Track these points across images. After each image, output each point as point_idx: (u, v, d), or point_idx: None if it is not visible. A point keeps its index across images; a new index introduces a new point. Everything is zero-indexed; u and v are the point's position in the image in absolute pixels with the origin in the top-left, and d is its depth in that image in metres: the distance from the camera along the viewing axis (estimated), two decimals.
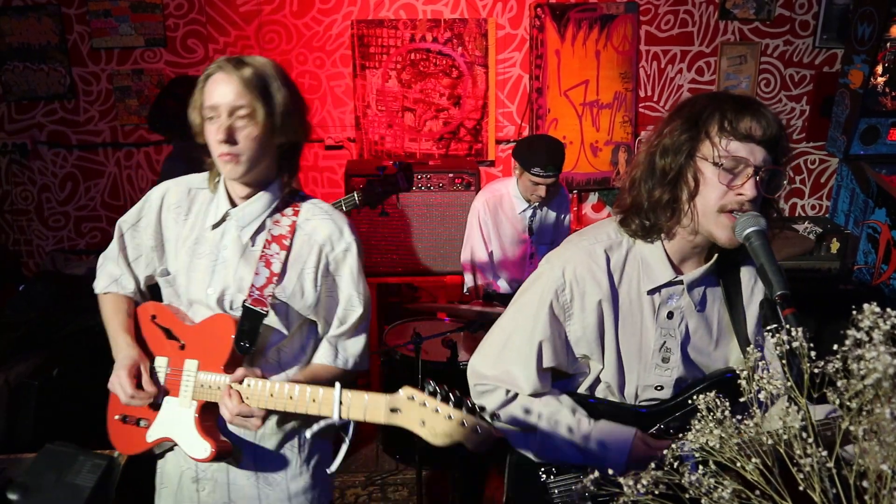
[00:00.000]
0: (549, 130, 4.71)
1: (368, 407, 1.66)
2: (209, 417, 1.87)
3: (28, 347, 3.24)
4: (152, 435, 1.91)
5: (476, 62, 4.68)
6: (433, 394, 1.57)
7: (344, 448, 1.76)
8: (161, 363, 1.92)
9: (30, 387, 3.09)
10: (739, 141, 1.54)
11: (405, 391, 1.61)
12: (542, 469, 1.85)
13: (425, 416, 1.57)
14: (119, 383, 1.86)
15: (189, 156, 3.05)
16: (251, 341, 1.83)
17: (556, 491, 1.83)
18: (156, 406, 1.92)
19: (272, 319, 1.87)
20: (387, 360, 3.72)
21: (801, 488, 1.04)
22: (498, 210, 3.85)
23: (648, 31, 4.77)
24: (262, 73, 1.73)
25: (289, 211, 1.88)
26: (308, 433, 2.01)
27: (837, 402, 1.02)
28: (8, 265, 4.76)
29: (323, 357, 1.98)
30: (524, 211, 3.82)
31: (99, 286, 2.04)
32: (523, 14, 4.67)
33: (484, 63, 4.68)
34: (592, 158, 4.85)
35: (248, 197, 1.86)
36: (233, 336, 1.82)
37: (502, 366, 1.79)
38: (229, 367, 1.82)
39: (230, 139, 1.70)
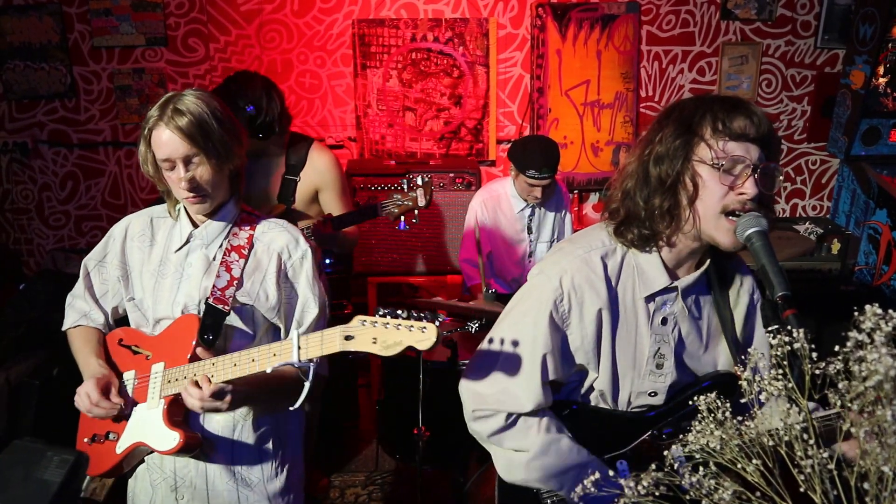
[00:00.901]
0: (550, 130, 4.71)
1: (325, 341, 1.72)
2: (177, 412, 1.93)
3: (28, 346, 3.25)
4: (122, 444, 1.96)
5: (477, 62, 4.68)
6: (383, 315, 1.67)
7: (306, 387, 1.77)
8: (129, 376, 2.00)
9: (30, 386, 3.09)
10: (734, 140, 1.54)
11: (357, 318, 1.71)
12: None
13: (376, 333, 1.66)
14: (85, 391, 1.91)
15: None
16: (214, 335, 1.93)
17: (548, 501, 1.81)
18: (124, 418, 1.98)
19: (236, 320, 1.99)
20: (386, 359, 3.71)
21: (801, 489, 1.04)
22: (496, 210, 3.85)
23: (650, 31, 4.77)
24: (198, 118, 1.84)
25: (245, 227, 2.03)
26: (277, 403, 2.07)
27: (839, 403, 1.01)
28: (8, 264, 4.76)
29: None
30: (522, 210, 3.82)
31: (68, 322, 2.15)
32: (524, 14, 4.66)
33: (485, 63, 4.68)
34: (593, 158, 4.85)
35: (204, 217, 2.00)
36: (196, 328, 1.91)
37: (500, 383, 1.73)
38: (194, 359, 1.90)
39: (194, 188, 1.87)
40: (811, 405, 1.03)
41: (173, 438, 1.86)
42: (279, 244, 2.02)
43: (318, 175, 3.13)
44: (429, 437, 3.25)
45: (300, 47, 4.61)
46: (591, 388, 1.78)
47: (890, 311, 0.99)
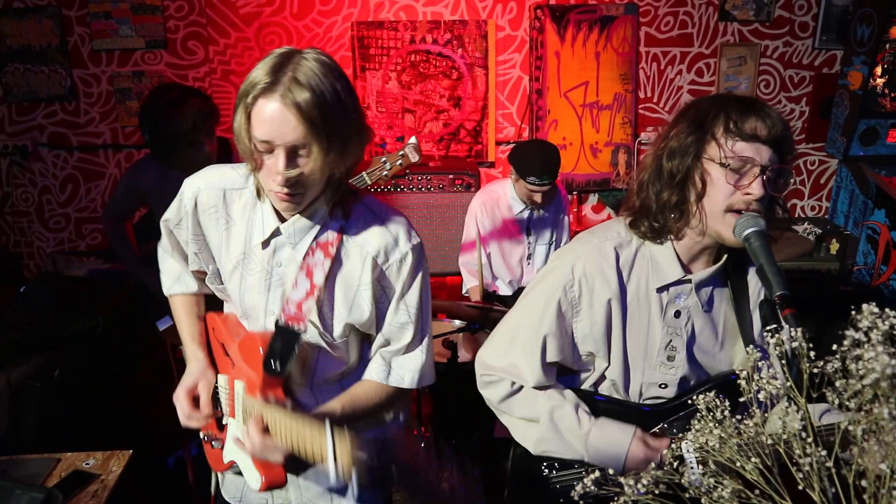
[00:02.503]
0: (549, 132, 4.71)
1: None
2: None
3: (29, 349, 3.25)
4: (226, 457, 1.81)
5: (476, 63, 4.68)
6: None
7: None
8: (222, 382, 1.80)
9: (31, 388, 3.09)
10: (745, 141, 1.56)
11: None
12: (545, 463, 1.86)
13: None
14: (178, 402, 1.74)
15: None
16: (283, 362, 1.61)
17: (557, 486, 1.84)
18: (222, 427, 1.82)
19: (315, 337, 1.67)
20: None
21: (800, 488, 1.05)
22: (495, 211, 3.86)
23: (648, 33, 4.78)
24: (321, 99, 1.42)
25: (338, 213, 1.65)
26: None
27: (837, 402, 1.02)
28: (9, 267, 4.77)
29: (374, 373, 1.76)
30: (521, 212, 3.83)
31: (165, 286, 1.92)
32: (523, 15, 4.67)
33: (484, 64, 4.69)
34: (592, 160, 4.86)
35: (292, 216, 1.64)
36: (261, 357, 1.62)
37: (509, 358, 1.82)
38: (265, 391, 1.62)
39: (292, 185, 1.49)
40: (824, 406, 1.04)
41: (256, 479, 1.66)
42: (374, 245, 1.64)
43: None
44: (429, 437, 3.26)
45: None
46: (604, 378, 1.83)
47: (887, 309, 1.00)
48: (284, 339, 1.61)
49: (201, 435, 1.87)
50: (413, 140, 2.86)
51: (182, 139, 2.83)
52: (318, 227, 1.63)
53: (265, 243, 1.65)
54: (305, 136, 1.43)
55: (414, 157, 2.86)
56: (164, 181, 3.02)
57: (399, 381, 1.74)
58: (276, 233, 1.64)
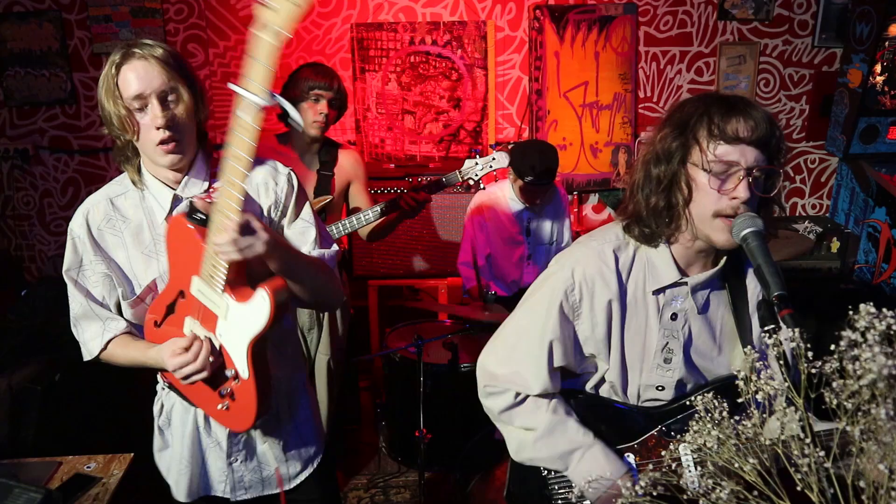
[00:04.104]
0: (549, 132, 4.72)
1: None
2: (242, 283, 1.71)
3: (30, 352, 3.26)
4: (242, 370, 1.75)
5: (475, 64, 4.69)
6: None
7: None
8: (188, 325, 1.79)
9: (32, 391, 3.10)
10: (728, 144, 1.54)
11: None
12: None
13: None
14: (172, 370, 1.73)
15: None
16: (204, 214, 1.65)
17: (555, 486, 1.84)
18: (219, 354, 1.78)
19: None
20: (388, 361, 3.73)
21: (798, 488, 1.05)
22: (495, 212, 3.86)
23: (647, 32, 4.78)
24: (173, 51, 1.71)
25: (217, 166, 1.76)
26: None
27: (835, 402, 1.02)
28: (10, 270, 4.77)
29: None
30: (520, 213, 3.83)
31: (92, 349, 1.91)
32: (522, 16, 4.68)
33: (483, 65, 4.69)
34: (592, 160, 4.86)
35: (179, 182, 1.80)
36: (185, 220, 1.67)
37: (512, 365, 1.80)
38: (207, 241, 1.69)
39: (171, 126, 1.67)
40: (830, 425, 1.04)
41: (262, 298, 1.63)
42: (259, 177, 1.84)
43: (351, 169, 3.39)
44: (430, 439, 3.26)
45: (299, 52, 4.62)
46: (603, 380, 1.83)
47: (884, 309, 1.00)
48: (197, 208, 1.67)
49: (219, 406, 1.82)
50: (508, 147, 3.34)
51: (309, 90, 3.17)
52: (207, 181, 1.82)
53: (169, 214, 1.81)
54: (170, 79, 1.66)
55: (504, 162, 3.25)
56: (283, 153, 3.27)
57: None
58: (177, 200, 1.81)
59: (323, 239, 1.93)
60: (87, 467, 2.24)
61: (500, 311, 3.51)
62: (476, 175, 3.26)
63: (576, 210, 5.04)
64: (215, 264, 1.63)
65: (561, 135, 4.75)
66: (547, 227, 3.92)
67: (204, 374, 1.73)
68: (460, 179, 3.25)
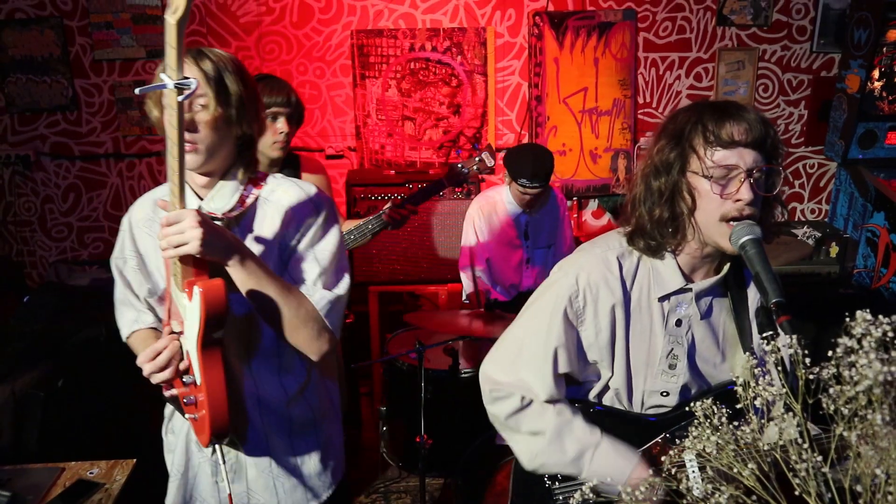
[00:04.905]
0: (549, 138, 4.73)
1: None
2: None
3: (33, 358, 3.26)
4: (195, 367, 1.68)
5: (475, 71, 4.71)
6: None
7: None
8: (174, 325, 1.76)
9: (35, 397, 3.10)
10: (725, 148, 1.56)
11: None
12: (547, 475, 1.86)
13: None
14: (142, 358, 1.69)
15: None
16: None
17: (560, 497, 1.84)
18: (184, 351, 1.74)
19: None
20: (388, 367, 3.74)
21: (797, 493, 1.06)
22: (492, 216, 3.88)
23: (646, 38, 4.80)
24: (219, 66, 1.71)
25: (253, 189, 1.83)
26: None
27: (832, 407, 1.03)
28: (11, 276, 4.78)
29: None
30: (518, 216, 3.84)
31: (123, 333, 1.98)
32: (522, 22, 4.70)
33: (483, 71, 4.71)
34: (592, 165, 4.87)
35: (207, 186, 1.80)
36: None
37: (517, 373, 1.80)
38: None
39: (191, 127, 1.67)
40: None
41: (196, 295, 1.55)
42: (288, 198, 1.82)
43: (321, 185, 3.15)
44: (431, 444, 3.27)
45: (299, 58, 4.64)
46: (607, 388, 1.82)
47: (880, 316, 1.01)
48: None
49: (183, 401, 1.77)
50: (488, 146, 3.25)
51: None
52: (235, 196, 1.79)
53: None
54: (202, 88, 1.65)
55: (490, 162, 3.23)
56: None
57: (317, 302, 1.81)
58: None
59: (329, 284, 1.83)
60: (90, 473, 2.25)
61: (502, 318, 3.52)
62: (462, 179, 3.24)
63: (575, 216, 5.05)
64: (174, 263, 1.64)
65: (560, 140, 4.77)
66: (545, 229, 3.93)
67: (164, 376, 1.69)
68: (446, 186, 3.22)
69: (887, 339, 0.99)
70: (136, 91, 1.53)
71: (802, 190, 5.21)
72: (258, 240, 1.81)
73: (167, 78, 1.43)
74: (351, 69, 4.67)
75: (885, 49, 4.39)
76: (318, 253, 1.83)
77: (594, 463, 1.73)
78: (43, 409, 3.11)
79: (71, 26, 4.54)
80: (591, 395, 1.86)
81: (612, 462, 1.73)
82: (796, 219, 5.21)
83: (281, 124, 2.85)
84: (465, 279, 4.01)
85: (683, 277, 1.72)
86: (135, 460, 2.31)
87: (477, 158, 3.30)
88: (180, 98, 1.45)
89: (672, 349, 1.76)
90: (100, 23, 4.53)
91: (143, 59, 4.61)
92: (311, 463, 1.99)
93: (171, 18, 1.36)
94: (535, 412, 1.79)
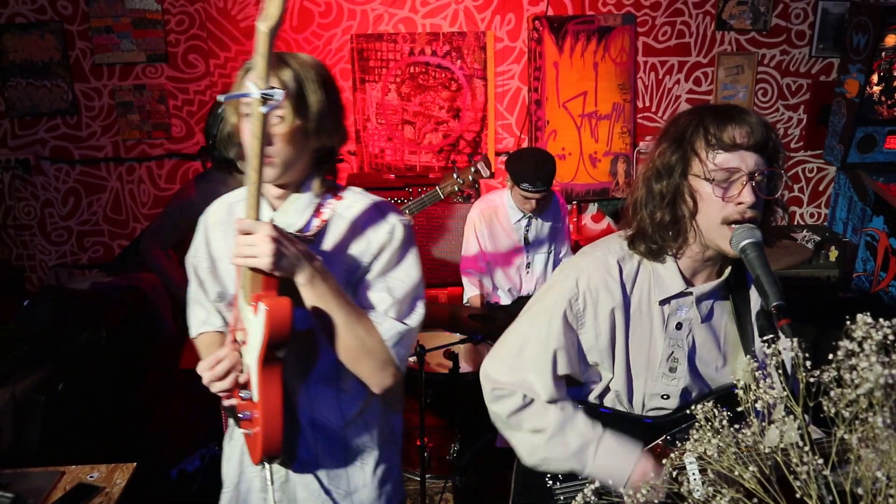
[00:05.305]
0: (548, 142, 4.74)
1: None
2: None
3: (33, 362, 3.26)
4: (254, 384, 1.63)
5: (475, 75, 4.71)
6: None
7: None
8: (239, 335, 1.69)
9: (35, 401, 3.10)
10: (727, 151, 1.56)
11: None
12: (549, 475, 1.86)
13: None
14: (203, 366, 1.64)
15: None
16: None
17: (561, 498, 1.84)
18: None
19: None
20: None
21: (798, 496, 1.06)
22: (493, 220, 3.88)
23: (646, 43, 4.81)
24: (299, 76, 1.61)
25: (330, 201, 1.75)
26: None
27: (833, 410, 1.04)
28: (11, 280, 4.78)
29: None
30: (519, 221, 3.85)
31: (192, 332, 1.93)
32: (521, 27, 4.70)
33: (483, 76, 4.72)
34: (591, 169, 4.88)
35: (281, 198, 1.73)
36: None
37: (518, 373, 1.80)
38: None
39: (266, 140, 1.54)
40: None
41: (261, 312, 1.50)
42: (361, 217, 1.74)
43: None
44: (432, 448, 3.27)
45: None
46: (608, 390, 1.83)
47: (881, 319, 1.01)
48: None
49: (239, 415, 1.71)
50: (484, 157, 3.24)
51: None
52: (310, 210, 1.72)
53: None
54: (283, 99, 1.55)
55: (485, 173, 3.22)
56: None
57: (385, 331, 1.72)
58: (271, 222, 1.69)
59: (401, 314, 1.74)
60: (90, 477, 2.24)
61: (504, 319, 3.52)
62: (456, 187, 3.25)
63: (575, 219, 5.06)
64: (243, 274, 1.58)
65: (560, 144, 4.77)
66: (546, 234, 3.93)
67: (222, 386, 1.64)
68: (441, 196, 3.22)
69: (888, 342, 0.99)
70: (221, 99, 1.50)
71: (802, 194, 5.22)
72: (326, 257, 1.69)
73: (253, 86, 1.37)
74: (351, 73, 4.68)
75: (883, 54, 4.40)
76: (390, 282, 1.74)
77: (597, 457, 1.73)
78: (43, 413, 3.11)
79: (71, 31, 4.55)
80: (593, 397, 1.86)
81: (615, 455, 1.73)
82: (796, 223, 5.22)
83: None
84: (467, 283, 4.01)
85: (684, 281, 1.72)
86: (135, 464, 2.30)
87: (472, 169, 3.31)
88: (263, 109, 1.39)
89: (672, 352, 1.76)
90: (100, 27, 4.54)
91: (143, 63, 4.62)
92: (364, 490, 1.89)
93: (264, 26, 1.33)
94: (537, 410, 1.80)
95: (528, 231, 3.89)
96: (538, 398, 1.79)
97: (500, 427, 1.89)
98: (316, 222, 1.72)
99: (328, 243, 1.72)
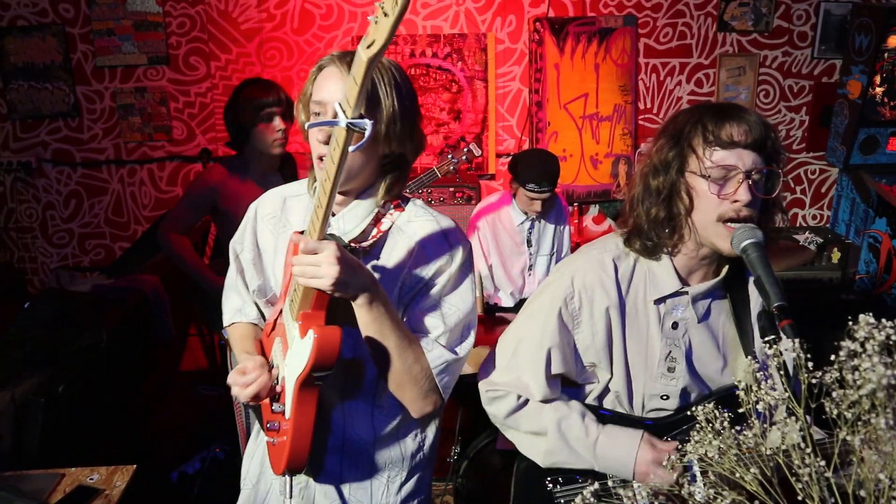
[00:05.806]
0: (549, 143, 4.73)
1: None
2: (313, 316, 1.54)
3: (34, 364, 3.25)
4: (287, 403, 1.60)
5: (476, 76, 4.71)
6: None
7: None
8: (276, 344, 1.69)
9: (36, 403, 3.10)
10: (725, 149, 1.56)
11: None
12: (549, 478, 1.85)
13: None
14: (234, 386, 1.62)
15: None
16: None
17: (561, 501, 1.84)
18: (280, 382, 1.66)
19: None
20: None
21: (800, 498, 1.05)
22: (496, 223, 3.87)
23: (647, 44, 4.81)
24: (373, 78, 1.52)
25: (391, 212, 1.68)
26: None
27: (835, 411, 1.03)
28: (13, 282, 4.78)
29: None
30: (522, 223, 3.84)
31: (226, 319, 1.91)
32: (522, 28, 4.70)
33: (483, 77, 4.72)
34: (593, 171, 4.87)
35: (342, 203, 1.66)
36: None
37: (513, 372, 1.81)
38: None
39: (326, 142, 1.50)
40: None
41: (309, 338, 1.45)
42: (422, 236, 1.66)
43: None
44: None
45: (300, 64, 4.65)
46: (608, 391, 1.83)
47: (883, 320, 1.00)
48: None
49: (266, 425, 1.70)
50: (475, 138, 3.80)
51: (259, 111, 3.06)
52: (369, 218, 1.65)
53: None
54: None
55: (477, 152, 3.84)
56: (238, 187, 3.15)
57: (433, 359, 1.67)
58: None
59: (451, 343, 1.68)
60: (90, 479, 2.24)
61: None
62: (451, 168, 3.58)
63: (576, 221, 5.05)
64: (296, 288, 1.52)
65: (561, 146, 4.76)
66: (549, 236, 3.92)
67: (249, 393, 1.61)
68: (438, 175, 3.48)
69: (890, 342, 0.98)
70: (306, 126, 1.47)
71: (804, 196, 5.21)
72: (380, 271, 1.64)
73: (341, 113, 1.29)
74: None
75: (886, 55, 4.39)
76: (445, 307, 1.67)
77: (599, 444, 1.73)
78: (43, 415, 3.11)
79: (73, 33, 4.55)
80: (592, 398, 1.86)
81: (618, 441, 1.72)
82: (798, 224, 5.21)
83: (277, 123, 3.06)
84: None
85: (679, 280, 1.72)
86: (135, 466, 2.29)
87: (465, 149, 3.68)
88: (351, 149, 1.32)
89: (670, 352, 1.76)
90: (101, 30, 4.54)
91: (144, 65, 4.62)
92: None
93: (364, 54, 1.25)
94: (532, 411, 1.80)
95: (530, 233, 3.88)
96: (532, 398, 1.80)
97: (500, 428, 1.90)
98: (373, 232, 1.65)
99: (384, 256, 1.66)
